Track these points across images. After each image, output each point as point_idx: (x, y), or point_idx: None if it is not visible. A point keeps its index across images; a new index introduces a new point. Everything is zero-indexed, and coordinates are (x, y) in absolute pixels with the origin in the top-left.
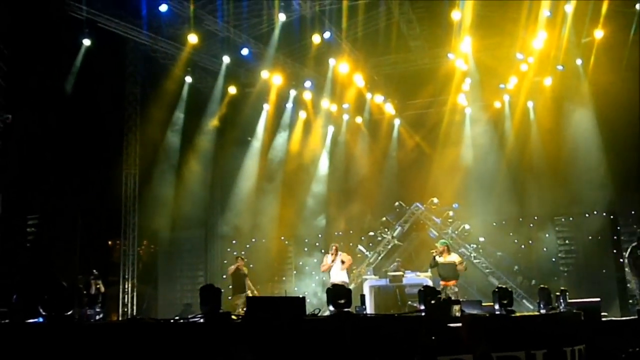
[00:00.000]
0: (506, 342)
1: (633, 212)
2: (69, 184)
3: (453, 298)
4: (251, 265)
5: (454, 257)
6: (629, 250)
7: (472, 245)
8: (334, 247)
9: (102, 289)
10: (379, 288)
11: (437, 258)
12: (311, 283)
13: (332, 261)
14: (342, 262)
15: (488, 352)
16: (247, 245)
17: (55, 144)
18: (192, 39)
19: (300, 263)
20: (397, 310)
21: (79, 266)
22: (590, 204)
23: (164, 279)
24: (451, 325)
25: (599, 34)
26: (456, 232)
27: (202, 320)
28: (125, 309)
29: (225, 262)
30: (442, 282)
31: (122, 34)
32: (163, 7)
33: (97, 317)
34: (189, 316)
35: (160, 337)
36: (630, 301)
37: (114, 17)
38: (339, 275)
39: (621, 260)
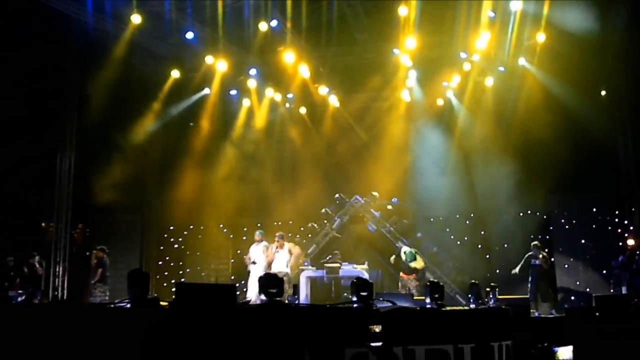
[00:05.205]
0: (435, 336)
1: (565, 213)
2: None
3: (414, 291)
4: (187, 252)
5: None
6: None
7: (408, 240)
8: (278, 237)
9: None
10: (316, 279)
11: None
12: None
13: (276, 251)
14: (290, 253)
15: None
16: (185, 232)
17: None
18: (136, 19)
19: (239, 252)
20: (332, 301)
21: (14, 247)
22: (527, 203)
23: None
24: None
25: (541, 37)
26: (394, 226)
27: (128, 306)
28: (56, 293)
29: (161, 248)
30: (402, 275)
31: (63, 11)
32: None
33: (19, 299)
34: (116, 301)
35: (84, 321)
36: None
37: None
38: (279, 267)
39: (552, 259)
